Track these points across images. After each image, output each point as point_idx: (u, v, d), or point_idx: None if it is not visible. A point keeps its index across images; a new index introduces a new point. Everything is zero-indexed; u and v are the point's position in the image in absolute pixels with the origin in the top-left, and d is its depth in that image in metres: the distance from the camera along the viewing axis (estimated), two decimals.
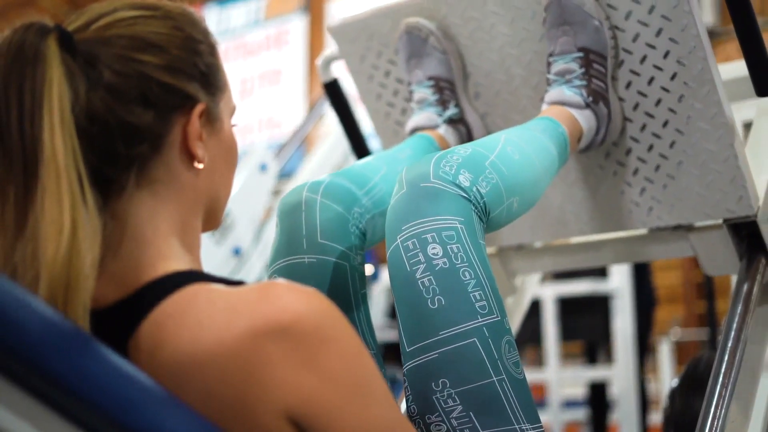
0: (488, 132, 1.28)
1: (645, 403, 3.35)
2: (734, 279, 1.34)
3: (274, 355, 0.64)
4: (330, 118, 3.27)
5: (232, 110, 0.84)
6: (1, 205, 0.68)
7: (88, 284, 0.66)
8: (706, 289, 3.20)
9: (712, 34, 3.03)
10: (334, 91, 1.36)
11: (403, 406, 1.24)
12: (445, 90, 1.24)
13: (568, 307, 3.62)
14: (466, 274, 0.83)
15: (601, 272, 3.50)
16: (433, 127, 1.22)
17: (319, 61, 1.37)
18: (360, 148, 1.39)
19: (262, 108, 5.81)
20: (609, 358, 3.61)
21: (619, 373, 3.32)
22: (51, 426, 0.56)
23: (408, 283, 0.84)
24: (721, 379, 1.03)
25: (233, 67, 5.94)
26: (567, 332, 3.68)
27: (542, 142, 1.03)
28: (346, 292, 0.97)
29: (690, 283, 4.64)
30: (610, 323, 3.43)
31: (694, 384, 1.69)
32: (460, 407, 0.80)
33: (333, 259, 0.96)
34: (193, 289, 0.69)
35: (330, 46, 1.37)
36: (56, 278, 0.64)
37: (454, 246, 0.84)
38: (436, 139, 1.21)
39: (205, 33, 0.79)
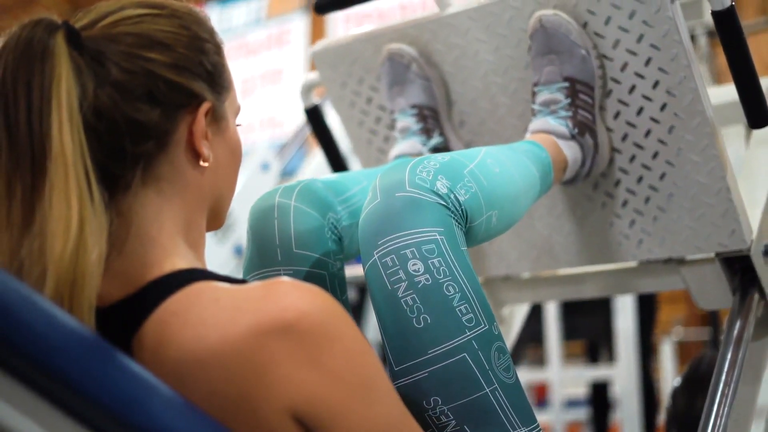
0: None
1: (653, 403, 3.32)
2: None
3: (278, 353, 0.64)
4: (331, 117, 3.23)
5: (237, 110, 0.83)
6: (8, 200, 0.67)
7: (94, 281, 0.66)
8: None
9: (714, 34, 2.97)
10: (315, 117, 1.33)
11: None
12: (429, 118, 1.20)
13: (569, 306, 3.60)
14: (450, 288, 0.80)
15: None
16: (417, 155, 1.19)
17: (299, 87, 1.34)
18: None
19: (264, 107, 5.78)
20: (611, 357, 3.58)
21: (621, 373, 3.29)
22: (55, 424, 0.56)
23: (390, 302, 0.81)
24: (723, 377, 1.02)
25: (234, 66, 5.86)
26: (569, 332, 3.66)
27: (524, 162, 1.00)
28: None
29: None
30: (611, 322, 3.41)
31: (696, 383, 1.70)
32: (453, 422, 0.79)
33: (310, 269, 0.93)
34: (197, 287, 0.69)
35: (305, 81, 1.34)
36: (63, 274, 0.64)
37: (435, 260, 0.80)
38: None
39: (211, 32, 0.79)
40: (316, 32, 5.60)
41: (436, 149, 1.20)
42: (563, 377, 3.62)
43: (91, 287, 0.65)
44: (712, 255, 1.16)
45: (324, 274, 0.94)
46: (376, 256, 0.82)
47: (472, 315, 0.81)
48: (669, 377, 3.87)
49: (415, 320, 0.80)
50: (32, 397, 0.55)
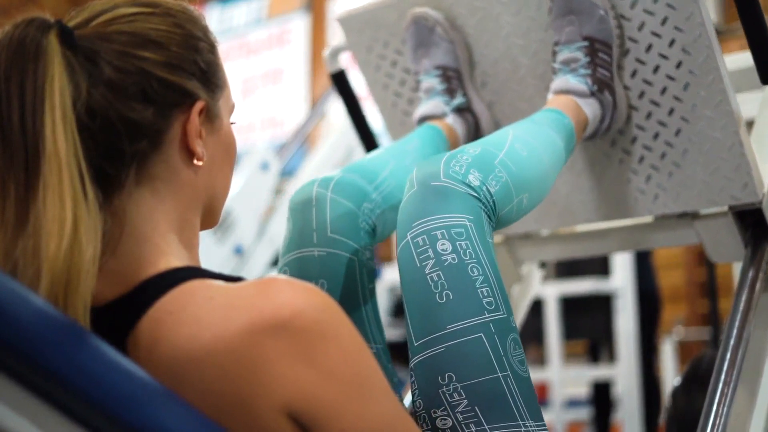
0: (495, 121, 1.30)
1: (656, 404, 3.32)
2: (736, 271, 1.34)
3: (272, 351, 0.64)
4: (332, 116, 3.27)
5: (231, 108, 0.84)
6: (2, 200, 0.67)
7: (88, 281, 0.66)
8: (709, 288, 3.19)
9: (716, 32, 3.02)
10: (341, 82, 1.38)
11: (408, 400, 1.26)
12: (453, 79, 1.25)
13: (570, 306, 3.62)
14: (474, 270, 0.84)
15: (603, 271, 3.50)
16: (441, 116, 1.24)
17: (326, 52, 1.39)
18: (367, 137, 1.41)
19: (264, 107, 5.82)
20: (612, 357, 3.60)
21: (622, 372, 3.31)
22: (48, 422, 0.56)
23: (417, 278, 0.85)
24: (723, 377, 1.03)
25: (235, 66, 5.94)
26: (569, 331, 3.67)
27: (549, 136, 1.05)
28: (354, 285, 0.99)
29: (693, 282, 4.64)
30: (612, 322, 3.43)
31: (696, 382, 1.70)
32: (465, 401, 0.81)
33: (342, 252, 0.98)
34: (191, 286, 0.69)
35: (332, 44, 1.38)
36: (57, 274, 0.64)
37: (463, 242, 0.85)
38: (444, 129, 1.22)
39: (205, 31, 0.79)
40: (317, 32, 5.65)
41: (458, 109, 1.25)
42: (564, 377, 3.63)
43: (85, 287, 0.65)
44: (725, 209, 1.20)
45: (354, 260, 0.99)
46: (408, 237, 0.87)
47: (492, 299, 0.84)
48: (669, 377, 3.89)
49: (438, 296, 0.84)
50: (24, 395, 0.55)
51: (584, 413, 3.95)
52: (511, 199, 0.93)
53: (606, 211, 1.27)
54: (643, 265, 3.41)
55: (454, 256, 0.84)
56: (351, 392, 0.67)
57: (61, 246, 0.64)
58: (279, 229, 2.67)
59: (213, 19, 6.08)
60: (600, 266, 3.52)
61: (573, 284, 3.54)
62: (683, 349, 4.32)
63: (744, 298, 1.13)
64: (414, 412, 0.84)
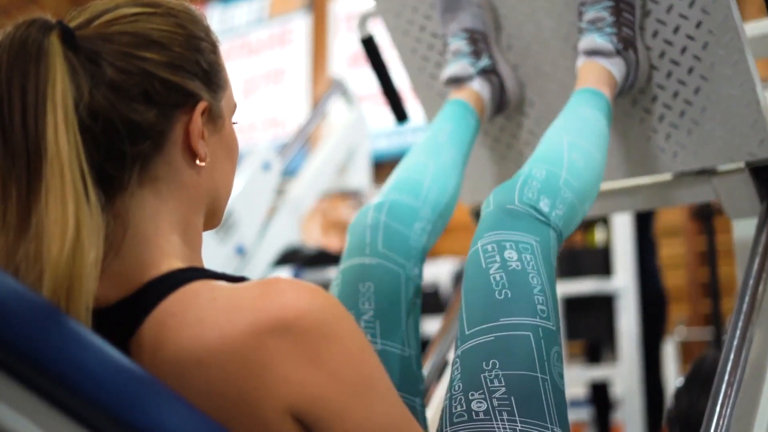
0: (520, 82, 1.34)
1: (661, 405, 3.33)
2: (738, 270, 1.37)
3: (276, 351, 0.65)
4: (333, 116, 3.30)
5: (233, 108, 0.83)
6: (3, 203, 0.67)
7: (90, 283, 0.65)
8: (712, 288, 3.22)
9: None
10: (370, 47, 1.42)
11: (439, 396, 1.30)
12: (479, 42, 1.30)
13: (571, 306, 3.62)
14: (534, 279, 0.91)
15: (605, 271, 3.53)
16: (467, 78, 1.28)
17: (356, 18, 1.43)
18: (395, 105, 1.45)
19: (266, 107, 5.85)
20: (613, 357, 3.61)
21: (623, 373, 3.32)
22: (50, 422, 0.56)
23: (480, 276, 0.92)
24: (726, 377, 1.03)
25: (237, 66, 5.96)
26: (571, 331, 3.67)
27: (595, 124, 1.12)
28: (398, 294, 1.04)
29: (695, 282, 4.67)
30: (614, 323, 3.44)
31: (699, 383, 1.68)
32: (503, 389, 0.83)
33: (390, 264, 1.05)
34: (194, 287, 0.69)
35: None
36: (60, 277, 0.63)
37: (528, 255, 0.93)
38: (470, 100, 1.27)
39: (207, 30, 0.79)
40: (318, 32, 5.70)
41: (484, 71, 1.30)
42: (565, 377, 3.61)
43: (87, 290, 0.65)
44: (742, 165, 1.25)
45: (401, 273, 1.05)
46: (479, 245, 0.95)
47: (545, 308, 0.90)
48: (671, 377, 3.89)
49: (497, 293, 0.90)
50: (27, 395, 0.55)
51: (585, 413, 3.96)
52: (576, 213, 1.03)
53: (627, 170, 1.32)
54: (650, 266, 3.43)
55: (519, 263, 0.92)
56: (355, 393, 0.68)
57: (63, 249, 0.63)
58: (280, 230, 2.68)
59: (214, 18, 6.11)
60: (602, 267, 3.55)
61: (574, 284, 3.55)
62: (685, 350, 4.34)
63: (759, 252, 1.18)
64: (450, 396, 0.87)
